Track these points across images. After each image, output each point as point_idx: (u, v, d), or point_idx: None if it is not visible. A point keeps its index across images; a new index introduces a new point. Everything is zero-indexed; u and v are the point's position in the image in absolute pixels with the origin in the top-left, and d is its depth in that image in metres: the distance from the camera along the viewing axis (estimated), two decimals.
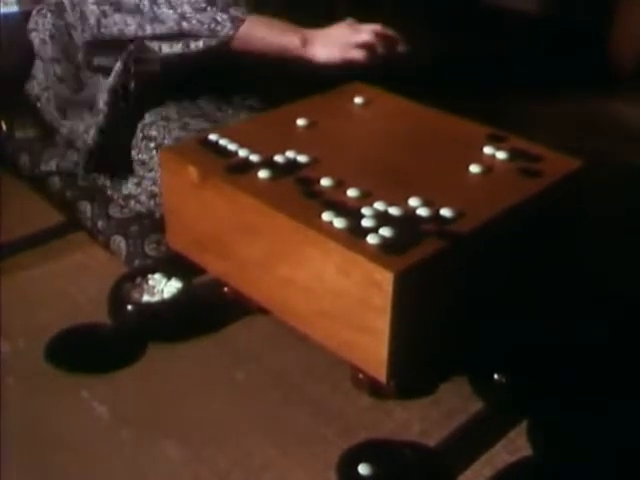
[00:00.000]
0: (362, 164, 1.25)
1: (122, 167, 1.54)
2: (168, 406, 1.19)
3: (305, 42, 1.40)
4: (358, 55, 1.33)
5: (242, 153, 1.25)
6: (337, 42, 1.36)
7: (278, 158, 1.24)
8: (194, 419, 1.16)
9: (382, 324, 1.04)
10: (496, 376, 1.20)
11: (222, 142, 1.28)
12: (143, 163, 1.53)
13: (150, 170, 1.51)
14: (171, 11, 1.42)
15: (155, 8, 1.43)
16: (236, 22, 1.41)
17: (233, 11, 1.42)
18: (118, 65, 1.49)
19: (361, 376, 1.17)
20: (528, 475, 1.10)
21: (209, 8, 1.41)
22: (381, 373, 1.09)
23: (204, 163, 1.24)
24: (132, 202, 1.55)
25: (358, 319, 1.07)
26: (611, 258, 1.50)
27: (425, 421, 1.17)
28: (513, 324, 1.26)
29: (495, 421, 1.17)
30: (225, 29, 1.41)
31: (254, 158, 1.24)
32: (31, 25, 1.68)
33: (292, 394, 1.21)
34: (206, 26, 1.41)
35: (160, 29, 1.45)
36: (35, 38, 1.68)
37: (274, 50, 1.42)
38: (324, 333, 1.14)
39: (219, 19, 1.41)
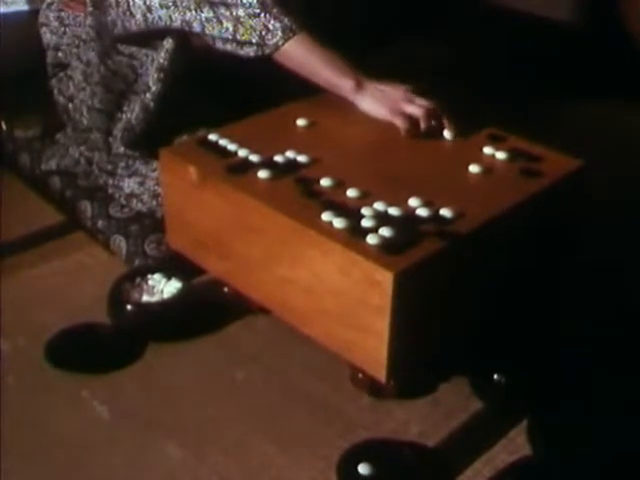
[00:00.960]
0: (362, 164, 1.25)
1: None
2: (168, 406, 1.19)
3: (358, 88, 1.38)
4: (400, 123, 1.32)
5: (242, 153, 1.25)
6: (387, 102, 1.35)
7: (278, 158, 1.24)
8: (194, 419, 1.17)
9: (382, 324, 1.04)
10: (496, 376, 1.20)
11: (222, 142, 1.28)
12: (147, 162, 1.53)
13: (154, 170, 1.51)
14: (227, 13, 1.40)
15: (215, 9, 1.41)
16: (287, 32, 1.39)
17: (286, 21, 1.39)
18: (169, 42, 1.48)
19: (361, 376, 1.17)
20: (528, 475, 1.10)
21: (262, 15, 1.39)
22: (381, 373, 1.09)
23: (204, 163, 1.24)
24: (134, 201, 1.54)
25: (358, 319, 1.07)
26: (612, 259, 1.50)
27: (425, 421, 1.17)
28: (513, 324, 1.26)
29: (495, 421, 1.17)
30: (275, 38, 1.39)
31: (254, 158, 1.24)
32: (41, 19, 1.68)
33: (292, 394, 1.21)
34: (257, 32, 1.39)
35: (209, 30, 1.43)
36: (46, 33, 1.68)
37: (321, 80, 1.41)
38: (324, 333, 1.14)
39: (271, 27, 1.39)
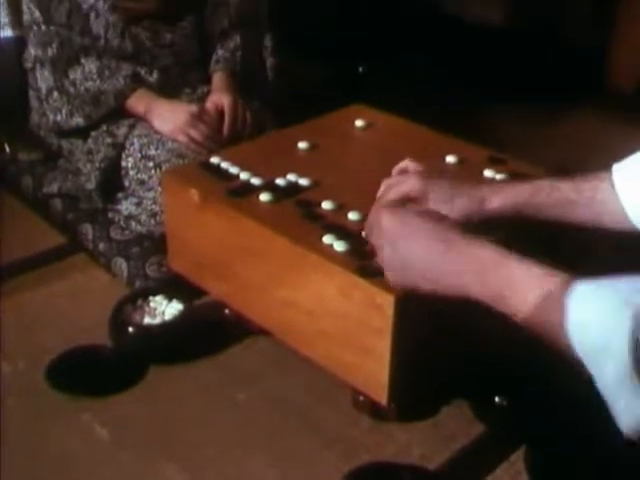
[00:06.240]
0: (363, 187, 1.25)
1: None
2: (169, 428, 1.19)
3: (147, 112, 1.59)
4: (182, 140, 1.54)
5: (243, 176, 1.26)
6: (172, 123, 1.56)
7: (279, 181, 1.24)
8: (195, 441, 1.16)
9: (383, 346, 1.04)
10: (497, 399, 1.20)
11: (223, 165, 1.29)
12: (142, 183, 1.54)
13: (149, 189, 1.52)
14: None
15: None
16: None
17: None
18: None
19: (362, 398, 1.17)
20: None
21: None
22: (382, 395, 1.09)
23: (205, 186, 1.24)
24: (133, 223, 1.55)
25: (359, 341, 1.07)
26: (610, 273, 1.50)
27: (426, 444, 1.16)
28: (515, 347, 1.25)
29: (496, 445, 1.17)
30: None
31: (255, 181, 1.24)
32: (26, 54, 1.70)
33: (293, 416, 1.21)
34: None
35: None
36: (28, 68, 1.70)
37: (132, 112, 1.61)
38: (325, 355, 1.14)
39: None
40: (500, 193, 1.03)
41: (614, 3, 2.39)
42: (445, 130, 1.42)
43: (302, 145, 1.37)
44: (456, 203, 1.02)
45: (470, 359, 1.21)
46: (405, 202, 1.05)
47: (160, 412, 1.22)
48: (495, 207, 1.03)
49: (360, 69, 2.37)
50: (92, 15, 1.57)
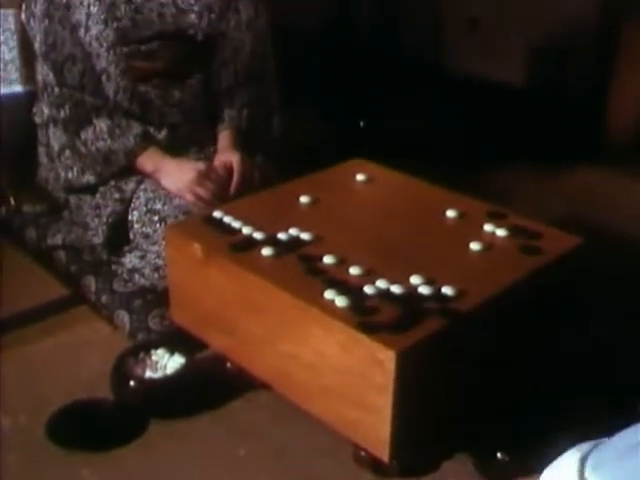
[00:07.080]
0: (364, 241, 1.27)
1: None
2: None
3: (155, 170, 1.60)
4: (189, 199, 1.56)
5: (246, 230, 1.27)
6: (179, 181, 1.57)
7: (281, 236, 1.25)
8: None
9: (384, 402, 1.04)
10: (499, 455, 1.19)
11: (226, 219, 1.30)
12: (147, 236, 1.55)
13: (154, 243, 1.53)
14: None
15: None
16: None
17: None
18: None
19: (363, 454, 1.16)
20: None
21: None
22: (383, 451, 1.08)
23: (208, 240, 1.26)
24: (136, 276, 1.56)
25: (360, 397, 1.07)
26: (611, 333, 1.50)
27: None
28: (516, 400, 1.25)
29: None
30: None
31: (258, 235, 1.25)
32: (35, 109, 1.73)
33: (294, 471, 1.20)
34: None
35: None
36: (38, 124, 1.73)
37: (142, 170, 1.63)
38: (326, 410, 1.14)
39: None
40: None
41: (614, 59, 2.43)
42: (445, 185, 1.44)
43: (304, 199, 1.38)
44: None
45: (472, 414, 1.20)
46: None
47: (161, 467, 1.21)
48: None
49: (361, 124, 2.40)
50: (104, 77, 1.61)
